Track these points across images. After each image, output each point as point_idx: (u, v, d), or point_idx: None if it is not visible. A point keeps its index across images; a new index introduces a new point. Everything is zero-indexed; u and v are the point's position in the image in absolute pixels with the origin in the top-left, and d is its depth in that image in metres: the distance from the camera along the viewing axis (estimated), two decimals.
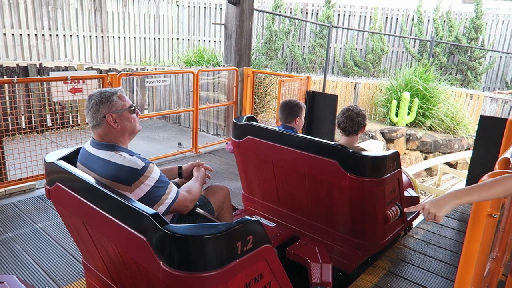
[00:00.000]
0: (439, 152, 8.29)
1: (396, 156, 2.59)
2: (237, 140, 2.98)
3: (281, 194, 2.97)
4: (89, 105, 1.88)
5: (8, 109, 5.44)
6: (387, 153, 2.53)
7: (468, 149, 8.31)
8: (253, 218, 1.54)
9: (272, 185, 2.97)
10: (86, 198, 1.71)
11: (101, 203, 1.65)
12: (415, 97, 8.54)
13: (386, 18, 13.00)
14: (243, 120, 2.97)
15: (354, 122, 2.70)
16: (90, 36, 11.22)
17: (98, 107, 1.85)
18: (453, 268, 2.86)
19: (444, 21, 12.70)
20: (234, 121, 3.00)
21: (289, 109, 2.92)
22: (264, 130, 2.83)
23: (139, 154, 1.94)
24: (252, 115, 3.05)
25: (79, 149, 2.02)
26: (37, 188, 3.91)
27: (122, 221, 1.54)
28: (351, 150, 2.45)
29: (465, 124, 8.74)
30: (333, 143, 2.56)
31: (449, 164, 8.26)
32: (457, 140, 8.39)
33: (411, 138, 8.25)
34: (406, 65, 11.44)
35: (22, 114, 5.73)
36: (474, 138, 4.17)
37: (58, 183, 1.88)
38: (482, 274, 1.57)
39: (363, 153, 2.49)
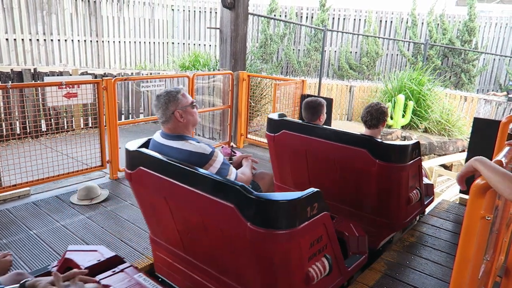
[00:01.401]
0: (434, 154, 8.33)
1: (417, 146, 2.98)
2: (272, 134, 3.31)
3: (313, 182, 3.26)
4: (158, 104, 2.24)
5: (2, 115, 5.41)
6: (409, 142, 2.91)
7: (463, 151, 8.36)
8: (316, 189, 1.90)
9: (304, 174, 3.28)
10: (171, 177, 2.07)
11: (187, 180, 2.01)
12: (409, 100, 8.59)
13: (381, 21, 13.09)
14: (277, 117, 3.33)
15: (373, 117, 3.08)
16: (85, 41, 11.20)
17: (167, 105, 2.23)
18: (448, 270, 2.87)
19: (438, 24, 12.80)
20: (270, 117, 3.35)
21: (313, 109, 3.28)
22: (298, 124, 3.21)
23: (203, 142, 2.31)
24: (283, 113, 3.38)
25: (149, 139, 2.39)
26: (31, 194, 3.89)
27: (211, 194, 1.89)
28: (379, 140, 2.82)
29: (459, 127, 8.79)
30: (360, 134, 2.91)
31: (444, 166, 8.30)
32: (452, 142, 8.44)
33: (406, 140, 8.29)
34: (400, 68, 11.52)
35: (17, 120, 5.70)
36: (468, 140, 4.20)
37: (141, 167, 2.25)
38: (477, 276, 1.57)
39: (389, 142, 2.88)
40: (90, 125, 6.38)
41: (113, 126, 4.27)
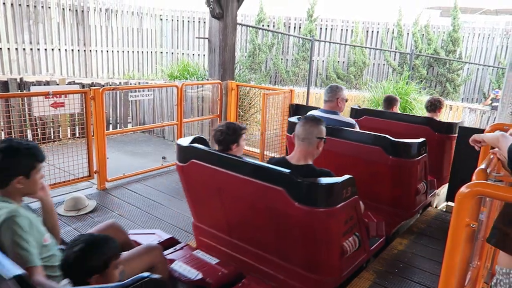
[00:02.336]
0: None
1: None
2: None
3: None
4: (330, 90, 3.47)
5: None
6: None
7: None
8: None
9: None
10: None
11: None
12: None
13: (367, 31, 13.30)
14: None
15: (432, 103, 4.34)
16: (72, 50, 11.13)
17: (336, 92, 3.44)
18: (436, 278, 2.89)
19: (423, 34, 13.06)
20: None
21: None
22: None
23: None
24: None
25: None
26: None
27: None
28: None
29: None
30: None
31: None
32: None
33: None
34: (387, 78, 11.69)
35: (2, 130, 5.61)
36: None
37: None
38: (464, 283, 1.59)
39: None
40: (77, 135, 6.31)
41: (101, 136, 4.24)
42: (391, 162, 3.11)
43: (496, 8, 17.54)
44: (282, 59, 13.03)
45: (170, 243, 2.62)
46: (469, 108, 9.36)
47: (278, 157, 2.71)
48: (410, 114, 3.59)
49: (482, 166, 1.65)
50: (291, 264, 2.42)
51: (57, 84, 6.36)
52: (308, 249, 2.30)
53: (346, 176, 2.22)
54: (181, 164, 2.69)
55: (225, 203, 2.55)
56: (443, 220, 3.89)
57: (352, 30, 13.12)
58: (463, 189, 1.34)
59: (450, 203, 4.22)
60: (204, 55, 12.56)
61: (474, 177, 1.58)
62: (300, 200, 2.09)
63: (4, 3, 9.80)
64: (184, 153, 2.65)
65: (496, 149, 1.94)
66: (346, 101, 3.51)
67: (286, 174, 2.12)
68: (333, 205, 2.14)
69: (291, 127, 3.40)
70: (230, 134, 2.59)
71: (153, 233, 2.58)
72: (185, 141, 2.68)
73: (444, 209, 4.24)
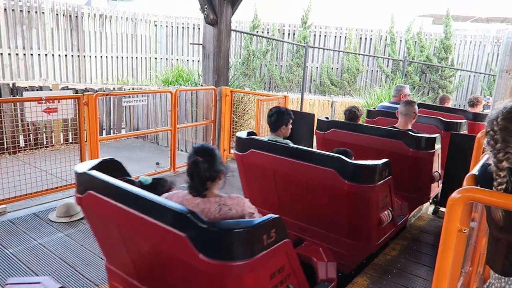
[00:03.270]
0: None
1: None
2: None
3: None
4: None
5: None
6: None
7: None
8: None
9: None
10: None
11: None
12: None
13: (360, 38, 13.40)
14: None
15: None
16: (66, 55, 11.09)
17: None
18: (429, 283, 2.90)
19: (416, 41, 13.19)
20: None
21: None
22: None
23: None
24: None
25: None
26: (8, 212, 3.78)
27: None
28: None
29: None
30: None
31: None
32: None
33: None
34: (380, 84, 11.77)
35: None
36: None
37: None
38: None
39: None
40: (70, 140, 6.27)
41: (94, 141, 4.22)
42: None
43: (487, 16, 17.79)
44: (276, 65, 13.08)
45: None
46: None
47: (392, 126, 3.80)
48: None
49: (473, 171, 1.66)
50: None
51: (50, 90, 6.33)
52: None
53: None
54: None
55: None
56: (436, 225, 3.91)
57: (345, 37, 13.22)
58: (455, 194, 1.35)
59: (442, 209, 4.24)
60: (198, 61, 12.58)
61: (465, 183, 1.59)
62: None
63: None
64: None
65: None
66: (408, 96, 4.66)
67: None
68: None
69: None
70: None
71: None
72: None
73: (437, 214, 4.26)
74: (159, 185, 2.30)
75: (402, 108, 3.85)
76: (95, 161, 2.27)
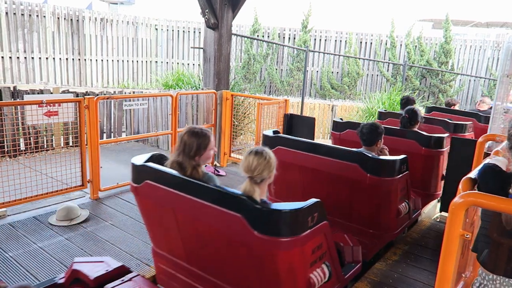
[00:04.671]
0: None
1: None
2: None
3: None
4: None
5: None
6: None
7: None
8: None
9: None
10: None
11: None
12: None
13: (361, 42, 13.43)
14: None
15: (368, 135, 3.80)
16: (66, 59, 11.11)
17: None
18: None
19: (416, 46, 13.21)
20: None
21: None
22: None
23: None
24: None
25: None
26: (8, 215, 3.77)
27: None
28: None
29: None
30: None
31: None
32: None
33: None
34: (380, 88, 11.79)
35: None
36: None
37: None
38: None
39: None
40: (71, 144, 6.27)
41: (95, 145, 4.22)
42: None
43: (487, 21, 17.84)
44: (276, 69, 13.11)
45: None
46: None
47: None
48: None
49: (470, 175, 1.66)
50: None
51: (51, 93, 6.33)
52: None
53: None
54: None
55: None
56: (437, 230, 3.90)
57: (346, 41, 13.25)
58: (457, 199, 1.35)
59: (444, 213, 4.23)
60: (199, 64, 12.60)
61: (460, 186, 1.59)
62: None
63: None
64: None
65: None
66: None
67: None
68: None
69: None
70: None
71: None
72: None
73: (438, 219, 4.25)
74: None
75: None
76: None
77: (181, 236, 2.43)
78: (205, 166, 5.69)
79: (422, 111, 5.42)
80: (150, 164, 2.46)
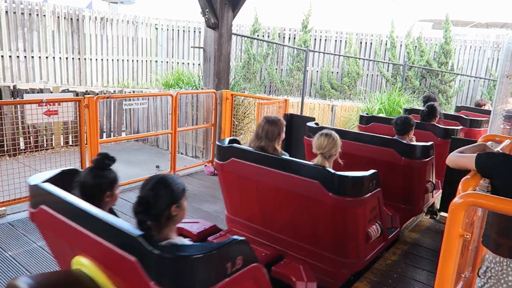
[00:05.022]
0: None
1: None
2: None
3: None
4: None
5: None
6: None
7: None
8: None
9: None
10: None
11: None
12: None
13: (361, 42, 13.43)
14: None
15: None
16: (66, 58, 11.10)
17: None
18: None
19: (416, 46, 13.21)
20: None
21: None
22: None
23: None
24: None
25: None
26: (8, 214, 3.77)
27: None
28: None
29: None
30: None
31: None
32: None
33: None
34: (380, 88, 11.79)
35: None
36: None
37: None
38: None
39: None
40: (70, 143, 6.27)
41: (94, 144, 4.22)
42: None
43: (486, 21, 17.84)
44: (276, 69, 13.10)
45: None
46: None
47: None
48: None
49: (469, 176, 1.67)
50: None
51: (51, 92, 6.33)
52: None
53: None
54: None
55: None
56: (436, 230, 3.90)
57: (346, 41, 13.25)
58: (457, 199, 1.35)
59: (443, 214, 4.23)
60: (199, 64, 12.59)
61: (460, 187, 1.59)
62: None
63: None
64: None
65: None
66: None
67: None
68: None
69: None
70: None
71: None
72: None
73: (437, 219, 4.25)
74: None
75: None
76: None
77: (259, 203, 2.98)
78: (205, 166, 5.71)
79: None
80: (236, 144, 3.02)
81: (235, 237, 1.61)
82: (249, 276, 1.66)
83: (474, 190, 1.67)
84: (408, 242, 3.61)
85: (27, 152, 5.73)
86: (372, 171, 2.66)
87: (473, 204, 1.37)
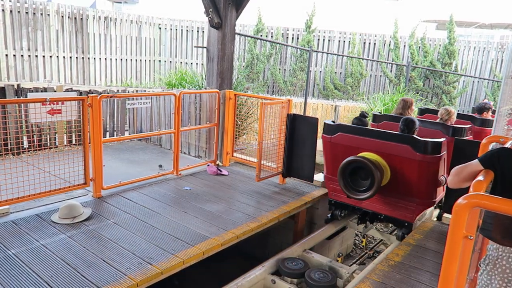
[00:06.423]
0: None
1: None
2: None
3: None
4: None
5: None
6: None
7: None
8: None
9: None
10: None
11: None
12: None
13: (364, 43, 13.41)
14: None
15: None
16: (70, 57, 11.14)
17: None
18: None
19: (419, 47, 13.18)
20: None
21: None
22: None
23: None
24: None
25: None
26: (11, 212, 3.78)
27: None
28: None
29: None
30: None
31: None
32: None
33: None
34: (383, 89, 11.75)
35: None
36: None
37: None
38: None
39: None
40: (74, 142, 6.29)
41: (98, 143, 4.23)
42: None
43: (491, 22, 17.77)
44: (280, 69, 13.10)
45: None
46: None
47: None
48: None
49: (480, 177, 1.65)
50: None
51: (55, 91, 6.35)
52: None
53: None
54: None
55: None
56: (440, 231, 3.89)
57: (349, 41, 13.24)
58: (461, 200, 1.35)
59: (447, 215, 4.22)
60: (202, 64, 12.61)
61: (471, 189, 1.58)
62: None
63: (3, 10, 9.84)
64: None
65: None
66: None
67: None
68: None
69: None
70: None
71: None
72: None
73: (441, 220, 4.24)
74: None
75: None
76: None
77: None
78: (208, 165, 5.70)
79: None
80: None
81: (442, 138, 3.79)
82: (444, 155, 3.96)
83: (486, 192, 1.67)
84: (411, 243, 3.60)
85: (30, 151, 5.75)
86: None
87: (477, 205, 1.36)
